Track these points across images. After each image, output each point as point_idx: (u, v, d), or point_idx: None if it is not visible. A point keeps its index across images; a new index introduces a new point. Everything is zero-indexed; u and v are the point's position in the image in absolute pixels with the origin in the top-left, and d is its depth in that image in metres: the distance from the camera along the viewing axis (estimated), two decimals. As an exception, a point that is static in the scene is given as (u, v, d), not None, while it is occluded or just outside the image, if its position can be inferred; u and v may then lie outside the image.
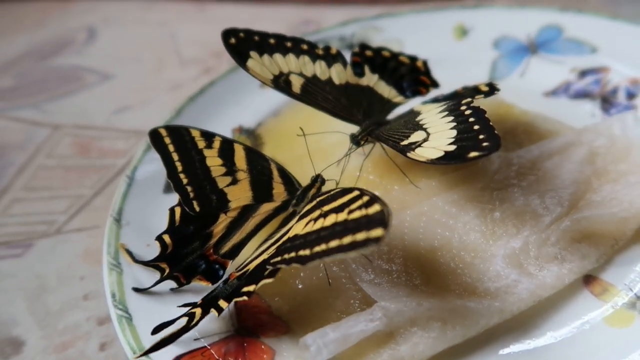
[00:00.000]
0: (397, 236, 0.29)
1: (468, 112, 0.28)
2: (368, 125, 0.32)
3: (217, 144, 0.30)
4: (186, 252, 0.29)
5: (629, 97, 0.36)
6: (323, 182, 0.30)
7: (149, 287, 0.28)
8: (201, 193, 0.29)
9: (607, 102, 0.37)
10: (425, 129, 0.28)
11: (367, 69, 0.35)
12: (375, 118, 0.33)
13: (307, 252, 0.22)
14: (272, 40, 0.34)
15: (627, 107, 0.36)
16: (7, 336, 0.31)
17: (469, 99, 0.29)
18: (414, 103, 0.34)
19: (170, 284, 0.28)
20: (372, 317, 0.25)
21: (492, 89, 0.31)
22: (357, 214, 0.22)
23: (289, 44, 0.34)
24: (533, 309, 0.27)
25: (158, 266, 0.28)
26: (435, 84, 0.36)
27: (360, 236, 0.21)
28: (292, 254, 0.23)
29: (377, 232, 0.21)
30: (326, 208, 0.24)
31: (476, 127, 0.26)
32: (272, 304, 0.28)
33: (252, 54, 0.32)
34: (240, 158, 0.30)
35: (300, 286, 0.28)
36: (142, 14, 0.57)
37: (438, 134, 0.27)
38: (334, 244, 0.22)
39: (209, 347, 0.26)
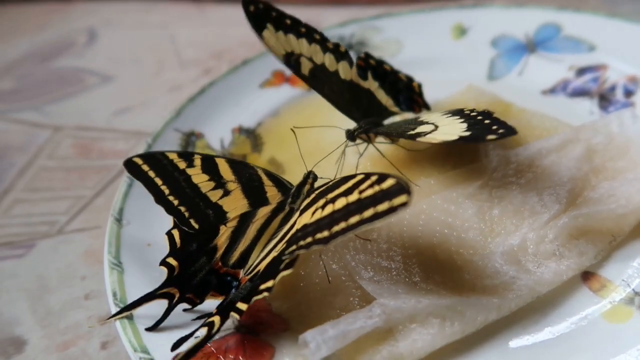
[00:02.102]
0: (397, 234, 0.29)
1: (474, 114, 0.28)
2: (365, 123, 0.33)
3: (198, 161, 0.30)
4: (195, 270, 0.28)
5: (626, 94, 0.36)
6: (315, 178, 0.30)
7: (161, 321, 0.27)
8: (196, 210, 0.29)
9: (605, 99, 0.37)
10: (432, 124, 0.28)
11: (370, 75, 0.36)
12: (373, 118, 0.34)
13: (325, 233, 0.23)
14: (288, 21, 0.34)
15: (625, 104, 0.36)
16: (9, 336, 0.31)
17: (472, 109, 0.29)
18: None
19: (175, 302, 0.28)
20: (371, 314, 0.25)
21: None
22: (370, 192, 0.22)
23: (303, 30, 0.34)
24: (531, 305, 0.27)
25: (167, 294, 0.27)
26: (426, 107, 0.36)
27: (383, 207, 0.21)
28: (309, 239, 0.23)
29: (401, 199, 0.21)
30: (331, 195, 0.24)
31: (487, 121, 0.26)
32: (272, 302, 0.28)
33: (269, 25, 0.33)
34: (225, 170, 0.30)
35: (300, 284, 0.28)
36: (142, 16, 0.58)
37: (448, 126, 0.27)
38: (354, 219, 0.22)
39: (209, 345, 0.26)
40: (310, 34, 0.34)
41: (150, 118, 0.43)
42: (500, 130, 0.25)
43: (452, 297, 0.26)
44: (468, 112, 0.29)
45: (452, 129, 0.27)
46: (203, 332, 0.25)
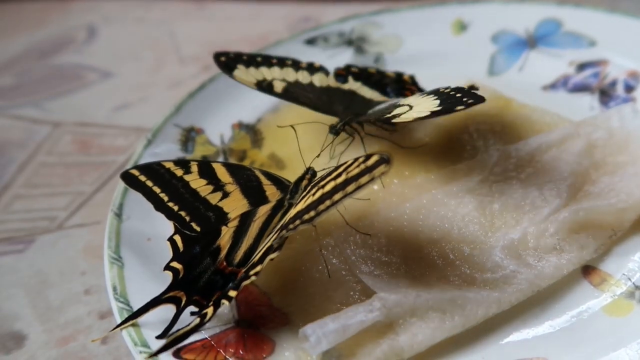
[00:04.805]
0: (397, 228, 0.29)
1: (447, 90, 0.30)
2: (347, 115, 0.33)
3: (194, 168, 0.30)
4: (200, 272, 0.28)
5: (627, 89, 0.36)
6: (314, 174, 0.30)
7: (170, 326, 0.26)
8: (197, 214, 0.29)
9: (605, 95, 0.37)
10: (407, 105, 0.30)
11: (350, 78, 0.37)
12: (355, 110, 0.34)
13: (311, 213, 0.24)
14: (259, 59, 0.36)
15: (625, 99, 0.36)
16: (9, 330, 0.31)
17: (448, 87, 0.30)
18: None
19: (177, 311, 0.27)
20: (371, 308, 0.25)
21: (470, 90, 0.31)
22: (356, 170, 0.23)
23: (274, 61, 0.37)
24: (532, 299, 0.27)
25: (174, 297, 0.27)
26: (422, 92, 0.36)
27: (365, 179, 0.23)
28: (297, 222, 0.24)
29: (380, 169, 0.22)
30: (322, 182, 0.25)
31: (458, 94, 0.28)
32: (272, 297, 0.28)
33: (239, 66, 0.35)
34: (222, 174, 0.30)
35: (300, 279, 0.28)
36: (142, 13, 0.57)
37: (421, 105, 0.29)
38: (338, 196, 0.23)
39: (209, 339, 0.26)
40: (281, 62, 0.36)
41: (150, 114, 0.43)
42: (470, 101, 0.27)
43: (453, 291, 0.26)
44: (443, 89, 0.30)
45: (425, 107, 0.28)
46: (197, 321, 0.25)
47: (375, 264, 0.28)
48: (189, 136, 0.37)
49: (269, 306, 0.28)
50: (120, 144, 0.42)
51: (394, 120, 0.29)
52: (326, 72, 0.37)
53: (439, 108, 0.28)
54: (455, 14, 0.43)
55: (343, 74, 0.37)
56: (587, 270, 0.28)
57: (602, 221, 0.28)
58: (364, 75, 0.37)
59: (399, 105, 0.31)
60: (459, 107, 0.27)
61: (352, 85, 0.36)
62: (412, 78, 0.37)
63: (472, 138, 0.34)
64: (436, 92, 0.31)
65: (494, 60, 0.41)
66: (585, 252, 0.28)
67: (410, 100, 0.31)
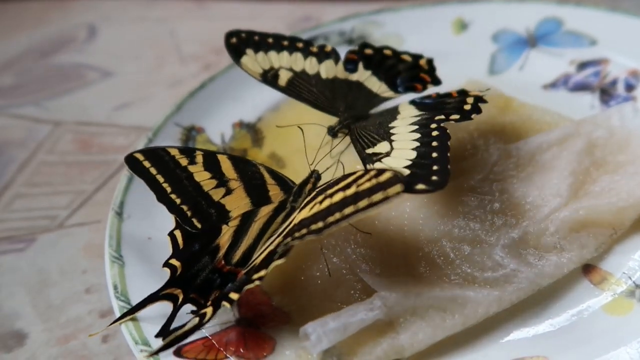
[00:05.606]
0: (397, 227, 0.29)
1: (435, 133, 0.28)
2: (346, 118, 0.33)
3: (199, 158, 0.30)
4: (197, 270, 0.28)
5: (628, 88, 0.36)
6: (318, 177, 0.30)
7: (168, 324, 0.26)
8: (199, 209, 0.29)
9: (606, 93, 0.37)
10: (391, 141, 0.29)
11: (360, 66, 0.36)
12: (356, 111, 0.34)
13: (319, 224, 0.23)
14: (270, 40, 0.36)
15: (626, 98, 0.36)
16: (10, 329, 0.31)
17: (442, 117, 0.29)
18: (405, 98, 0.34)
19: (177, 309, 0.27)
20: (371, 307, 0.25)
21: (473, 109, 0.30)
22: (367, 185, 0.23)
23: (285, 43, 0.36)
24: (532, 297, 0.27)
25: (171, 295, 0.27)
26: (437, 82, 0.35)
27: (377, 197, 0.22)
28: (304, 231, 0.24)
29: (395, 188, 0.22)
30: (330, 191, 0.24)
31: (434, 154, 0.26)
32: (273, 296, 0.28)
33: (248, 51, 0.35)
34: (227, 168, 0.30)
35: (300, 278, 0.28)
36: (142, 12, 0.57)
37: (400, 151, 0.27)
38: (348, 210, 0.23)
39: (210, 337, 0.26)
40: (292, 44, 0.36)
41: (151, 113, 0.43)
42: (434, 178, 0.24)
43: (453, 290, 0.26)
44: (434, 125, 0.28)
45: (399, 159, 0.27)
46: (195, 320, 0.25)
47: (376, 262, 0.28)
48: (190, 135, 0.37)
49: (269, 305, 0.28)
50: (121, 143, 0.42)
51: (368, 166, 0.27)
52: (337, 58, 0.36)
53: (406, 172, 0.25)
54: (455, 13, 0.43)
55: (355, 58, 0.36)
56: (588, 269, 0.28)
57: (602, 220, 0.28)
58: (378, 59, 0.36)
59: (387, 134, 0.29)
60: (419, 186, 0.24)
61: (361, 75, 0.35)
62: (429, 63, 0.35)
63: (473, 137, 0.34)
64: (423, 127, 0.29)
65: (494, 59, 0.41)
66: (586, 250, 0.28)
67: (398, 128, 0.30)
